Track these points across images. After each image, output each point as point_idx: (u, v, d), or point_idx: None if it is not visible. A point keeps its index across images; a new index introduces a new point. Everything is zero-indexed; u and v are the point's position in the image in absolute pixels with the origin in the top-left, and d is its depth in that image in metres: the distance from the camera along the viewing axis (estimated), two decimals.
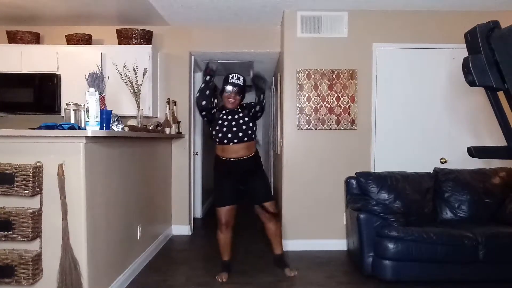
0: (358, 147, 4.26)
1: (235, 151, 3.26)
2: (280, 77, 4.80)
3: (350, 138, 4.26)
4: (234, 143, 3.24)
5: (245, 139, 3.26)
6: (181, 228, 4.90)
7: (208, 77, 3.25)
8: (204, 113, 3.31)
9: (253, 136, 3.33)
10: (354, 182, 3.94)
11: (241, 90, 3.27)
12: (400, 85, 4.26)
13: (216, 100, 3.42)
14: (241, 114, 3.30)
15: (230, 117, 3.29)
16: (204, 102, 3.23)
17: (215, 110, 3.33)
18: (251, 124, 3.30)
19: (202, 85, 3.26)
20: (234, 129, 3.24)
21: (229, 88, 3.24)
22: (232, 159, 3.27)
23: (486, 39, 1.32)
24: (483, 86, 1.37)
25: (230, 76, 3.27)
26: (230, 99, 3.25)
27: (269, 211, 3.37)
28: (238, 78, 3.26)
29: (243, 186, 3.36)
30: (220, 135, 3.26)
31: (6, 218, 2.33)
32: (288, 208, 4.28)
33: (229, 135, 3.23)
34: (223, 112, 3.32)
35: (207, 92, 3.24)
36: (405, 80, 4.26)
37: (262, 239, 4.44)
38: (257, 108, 3.28)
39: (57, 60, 4.40)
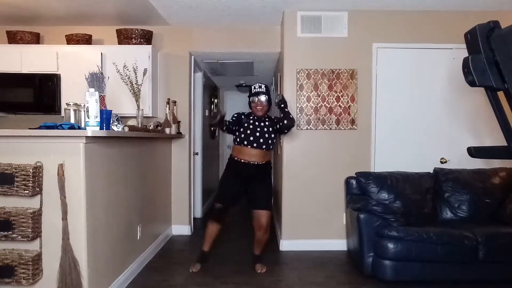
0: (358, 147, 4.26)
1: (250, 154, 3.44)
2: (280, 77, 4.79)
3: (350, 138, 4.26)
4: (252, 147, 3.43)
5: (264, 146, 3.47)
6: (181, 228, 4.90)
7: (223, 127, 3.49)
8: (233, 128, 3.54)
9: (271, 147, 3.53)
10: (354, 182, 3.94)
11: (266, 96, 3.51)
12: (400, 85, 4.26)
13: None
14: (267, 123, 3.54)
15: (256, 123, 3.50)
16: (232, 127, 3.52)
17: (242, 117, 3.54)
18: (273, 135, 3.52)
19: (224, 129, 3.52)
20: (257, 134, 3.45)
21: (255, 98, 3.51)
22: (244, 161, 3.44)
23: (486, 39, 1.32)
24: (483, 86, 1.37)
25: (253, 87, 3.55)
26: (259, 107, 3.51)
27: (260, 221, 3.48)
28: (260, 86, 3.52)
29: (246, 187, 3.50)
30: (242, 135, 3.46)
31: (6, 218, 2.33)
32: (288, 208, 4.28)
33: (251, 138, 3.44)
34: (251, 117, 3.55)
35: (224, 128, 3.51)
36: (405, 80, 4.26)
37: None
38: (281, 124, 3.54)
39: (57, 60, 4.40)
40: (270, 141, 3.49)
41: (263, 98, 3.48)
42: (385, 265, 3.26)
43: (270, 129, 3.51)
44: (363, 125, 4.26)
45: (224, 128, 3.49)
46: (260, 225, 3.49)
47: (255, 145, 3.42)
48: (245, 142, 3.43)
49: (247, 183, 3.48)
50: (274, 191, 6.02)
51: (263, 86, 3.53)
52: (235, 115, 3.56)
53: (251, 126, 3.46)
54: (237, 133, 3.49)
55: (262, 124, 3.50)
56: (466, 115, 4.24)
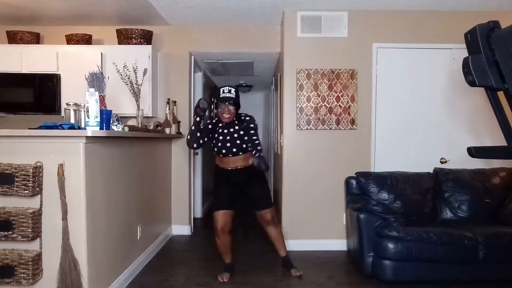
0: (358, 147, 4.26)
1: (232, 162, 3.30)
2: (280, 77, 4.79)
3: (350, 138, 4.26)
4: (230, 156, 3.28)
5: (240, 153, 3.28)
6: (181, 228, 4.90)
7: (198, 118, 3.26)
8: (197, 147, 3.37)
9: (248, 149, 3.31)
10: (354, 182, 3.94)
11: (235, 102, 3.25)
12: (400, 85, 4.26)
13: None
14: (236, 127, 3.29)
15: (226, 131, 3.29)
16: (195, 145, 3.33)
17: (210, 126, 3.33)
18: (246, 138, 3.29)
19: (193, 128, 3.30)
20: (228, 144, 3.26)
21: (222, 105, 3.23)
22: (230, 168, 3.31)
23: (486, 39, 1.32)
24: (483, 86, 1.37)
25: (221, 90, 3.26)
26: (225, 114, 3.25)
27: (265, 218, 3.42)
28: (230, 91, 3.24)
29: (242, 191, 3.40)
30: (216, 148, 3.32)
31: (6, 218, 2.33)
32: (288, 208, 4.28)
33: (224, 150, 3.27)
34: (220, 125, 3.33)
35: (198, 134, 3.29)
36: (405, 80, 4.26)
37: (261, 239, 4.44)
38: (250, 147, 3.28)
39: (57, 60, 4.40)
40: (244, 145, 3.27)
41: (231, 106, 3.21)
42: (385, 265, 3.26)
43: (241, 132, 3.26)
44: (363, 125, 4.25)
45: (201, 143, 3.32)
46: (267, 221, 3.42)
47: (230, 155, 3.26)
48: (221, 155, 3.29)
49: (240, 187, 3.37)
50: (274, 191, 6.02)
51: (232, 90, 3.25)
52: (204, 125, 3.33)
53: (221, 137, 3.26)
54: (211, 144, 3.33)
55: (231, 129, 3.26)
56: (466, 115, 4.24)
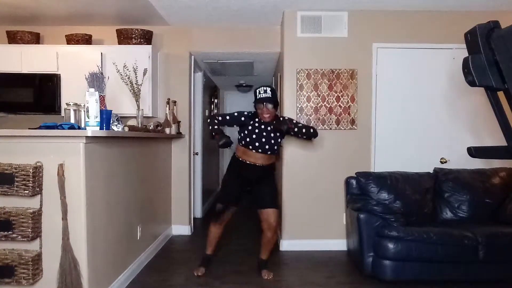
0: (358, 147, 4.26)
1: (256, 157, 3.32)
2: (280, 77, 4.79)
3: (350, 138, 4.26)
4: (257, 151, 3.30)
5: (269, 152, 3.33)
6: (181, 228, 4.90)
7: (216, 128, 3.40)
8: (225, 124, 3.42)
9: (276, 151, 3.40)
10: (354, 182, 3.94)
11: (273, 101, 3.26)
12: (400, 85, 4.26)
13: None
14: (273, 127, 3.31)
15: (263, 127, 3.31)
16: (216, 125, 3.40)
17: (243, 119, 3.34)
18: (279, 140, 3.36)
19: (210, 127, 3.40)
20: (263, 140, 3.29)
21: (261, 105, 3.25)
22: (250, 162, 3.33)
23: (486, 39, 1.32)
24: (483, 86, 1.37)
25: (257, 91, 3.28)
26: (265, 114, 3.26)
27: (268, 221, 3.38)
28: (265, 91, 3.26)
29: (250, 188, 3.42)
30: (248, 139, 3.30)
31: (6, 218, 2.33)
32: (288, 208, 4.28)
33: (257, 144, 3.29)
34: (256, 120, 3.33)
35: (216, 126, 3.39)
36: (405, 80, 4.25)
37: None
38: (294, 131, 3.32)
39: (57, 60, 4.40)
40: (276, 146, 3.34)
41: (269, 105, 3.23)
42: (385, 265, 3.26)
43: (277, 133, 3.32)
44: (363, 125, 4.25)
45: (219, 125, 3.38)
46: (269, 225, 3.37)
47: (260, 150, 3.28)
48: (250, 147, 3.29)
49: (250, 183, 3.39)
50: None
51: (268, 90, 3.26)
52: (236, 114, 3.37)
53: (256, 130, 3.28)
54: (242, 134, 3.33)
55: (268, 128, 3.30)
56: (466, 115, 4.24)
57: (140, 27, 4.54)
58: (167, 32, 4.80)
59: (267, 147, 3.29)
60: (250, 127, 3.30)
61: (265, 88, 3.28)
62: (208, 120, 3.43)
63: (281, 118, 3.36)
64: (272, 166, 3.47)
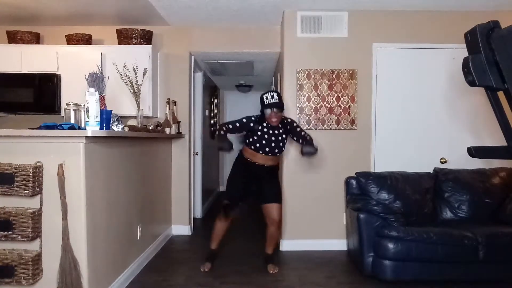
0: (358, 147, 4.26)
1: (265, 159, 3.45)
2: (280, 77, 4.79)
3: (350, 138, 4.26)
4: (268, 155, 3.43)
5: (277, 153, 3.49)
6: (181, 228, 4.90)
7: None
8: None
9: (283, 151, 3.57)
10: (354, 182, 3.94)
11: (280, 106, 3.38)
12: (400, 85, 4.26)
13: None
14: (281, 130, 3.46)
15: (271, 131, 3.43)
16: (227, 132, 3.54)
17: (251, 125, 3.44)
18: (286, 141, 3.52)
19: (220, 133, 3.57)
20: (273, 144, 3.42)
21: (268, 110, 3.35)
22: (258, 163, 3.46)
23: (486, 39, 1.32)
24: (483, 86, 1.37)
25: (265, 97, 3.38)
26: (273, 119, 3.36)
27: (272, 216, 3.51)
28: (273, 96, 3.36)
29: (255, 186, 3.53)
30: (258, 145, 3.42)
31: (6, 218, 2.33)
32: (288, 208, 4.28)
33: (267, 148, 3.41)
34: (264, 124, 3.43)
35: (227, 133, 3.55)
36: (405, 80, 4.25)
37: (261, 239, 4.45)
38: (296, 140, 3.55)
39: (57, 60, 4.40)
40: (283, 148, 3.51)
41: (276, 110, 3.34)
42: (385, 265, 3.26)
43: (284, 135, 3.48)
44: (363, 125, 4.26)
45: (228, 133, 3.52)
46: (273, 220, 3.51)
47: (270, 154, 3.43)
48: (261, 152, 3.41)
49: (256, 181, 3.51)
50: None
51: (275, 95, 3.37)
52: (244, 120, 3.44)
53: (266, 136, 3.40)
54: (250, 139, 3.43)
55: (276, 132, 3.43)
56: (466, 115, 4.24)
57: (140, 27, 4.54)
58: (167, 32, 4.80)
59: (276, 150, 3.45)
60: (259, 133, 3.41)
61: (272, 93, 3.39)
62: (217, 127, 3.54)
63: (288, 122, 3.52)
64: (276, 167, 3.62)
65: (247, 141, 3.48)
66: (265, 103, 3.36)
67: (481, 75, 1.33)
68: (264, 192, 3.51)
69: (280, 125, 3.45)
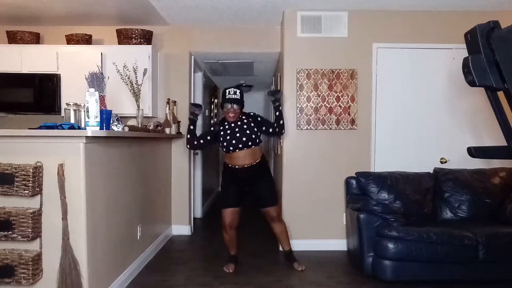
0: (358, 147, 4.26)
1: (241, 158, 3.43)
2: (280, 77, 4.79)
3: (350, 138, 4.26)
4: (239, 149, 3.40)
5: (249, 143, 3.41)
6: (181, 228, 4.90)
7: (191, 116, 3.58)
8: (196, 147, 3.63)
9: (257, 141, 3.47)
10: (354, 182, 3.94)
11: (239, 102, 3.45)
12: (400, 85, 4.26)
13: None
14: (245, 121, 3.47)
15: (233, 125, 3.45)
16: (195, 142, 3.55)
17: (210, 132, 3.55)
18: (255, 129, 3.46)
19: (188, 136, 3.57)
20: (238, 135, 3.41)
21: (228, 105, 3.42)
22: (238, 167, 3.44)
23: (486, 39, 1.32)
24: (483, 86, 1.37)
25: (227, 92, 3.45)
26: (231, 114, 3.43)
27: (270, 215, 3.59)
28: (235, 93, 3.44)
29: (249, 188, 3.54)
30: (225, 143, 3.43)
31: (6, 218, 2.33)
32: (288, 208, 4.28)
33: (233, 141, 3.40)
34: (225, 123, 3.49)
35: (195, 142, 3.55)
36: (405, 80, 4.25)
37: (261, 239, 4.45)
38: (271, 130, 3.56)
39: (57, 60, 4.39)
40: (254, 136, 3.43)
41: (236, 106, 3.41)
42: (385, 265, 3.26)
43: (252, 124, 3.45)
44: (363, 125, 4.25)
45: (196, 144, 3.56)
46: (272, 217, 3.59)
47: (240, 146, 3.39)
48: (231, 148, 3.40)
49: (247, 184, 3.51)
50: None
51: (238, 92, 3.46)
52: (207, 131, 3.62)
53: (228, 131, 3.42)
54: (220, 144, 3.47)
55: (239, 123, 3.44)
56: (466, 115, 4.24)
57: (140, 27, 4.54)
58: (167, 32, 4.80)
59: (244, 139, 3.39)
60: (222, 132, 3.47)
61: (234, 90, 3.46)
62: (187, 143, 3.62)
63: (256, 115, 3.56)
64: (262, 162, 3.54)
65: (220, 147, 3.54)
66: (226, 97, 3.43)
67: (481, 75, 1.33)
68: (258, 195, 3.54)
69: (245, 119, 3.47)
